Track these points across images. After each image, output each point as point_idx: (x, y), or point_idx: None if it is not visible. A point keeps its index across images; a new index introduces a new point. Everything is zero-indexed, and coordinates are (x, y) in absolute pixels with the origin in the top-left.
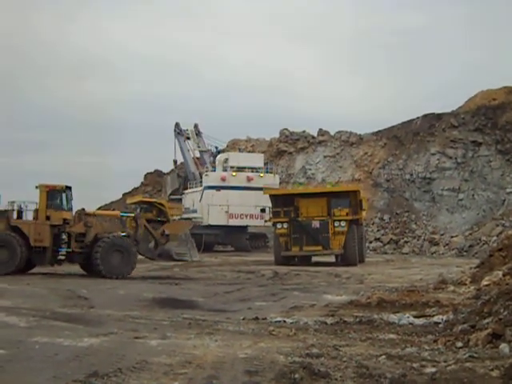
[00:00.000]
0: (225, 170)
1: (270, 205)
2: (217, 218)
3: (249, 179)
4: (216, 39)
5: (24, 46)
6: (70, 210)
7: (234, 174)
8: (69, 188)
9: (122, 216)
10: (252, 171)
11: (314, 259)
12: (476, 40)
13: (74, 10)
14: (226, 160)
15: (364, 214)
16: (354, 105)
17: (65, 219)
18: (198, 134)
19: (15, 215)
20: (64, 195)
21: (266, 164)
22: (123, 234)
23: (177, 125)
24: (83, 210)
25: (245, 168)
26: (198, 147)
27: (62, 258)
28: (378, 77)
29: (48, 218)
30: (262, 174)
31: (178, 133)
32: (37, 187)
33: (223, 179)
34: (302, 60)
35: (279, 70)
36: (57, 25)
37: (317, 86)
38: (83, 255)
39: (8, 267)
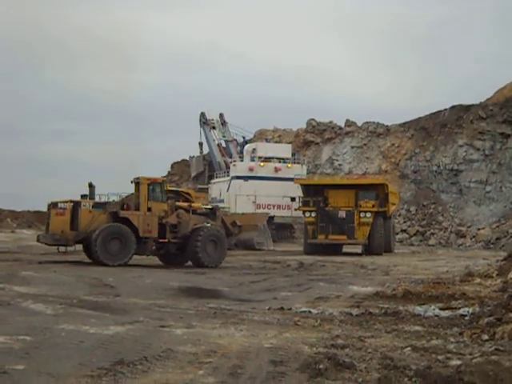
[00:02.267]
0: (252, 160)
1: (298, 195)
2: (244, 208)
3: (276, 170)
4: (245, 29)
5: (56, 34)
6: (165, 201)
7: (261, 164)
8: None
9: (206, 209)
10: (280, 161)
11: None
12: (505, 31)
13: None
14: (254, 150)
15: (393, 207)
16: (381, 96)
17: (164, 210)
18: (224, 123)
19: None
20: (162, 188)
21: (293, 154)
22: (208, 224)
23: (202, 114)
24: (175, 202)
25: (272, 158)
26: (224, 137)
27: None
28: (405, 68)
29: (149, 209)
30: (289, 165)
31: (204, 122)
32: (132, 181)
33: (251, 169)
34: (330, 51)
35: (307, 61)
36: (91, 13)
37: (344, 77)
38: (176, 245)
39: (121, 258)
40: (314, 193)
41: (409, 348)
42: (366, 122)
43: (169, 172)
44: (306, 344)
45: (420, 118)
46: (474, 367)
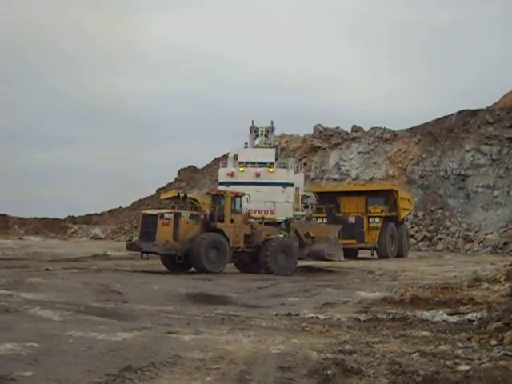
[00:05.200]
0: (235, 165)
1: (281, 200)
2: None
3: (257, 174)
4: (252, 34)
5: (54, 38)
6: (241, 213)
7: (241, 169)
8: None
9: (279, 220)
10: (266, 166)
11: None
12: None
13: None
14: (236, 156)
15: (406, 213)
16: (388, 101)
17: (243, 222)
18: (269, 130)
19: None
20: (241, 201)
21: (277, 159)
22: (281, 235)
23: (252, 122)
24: (248, 214)
25: (254, 163)
26: (265, 144)
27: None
28: (412, 73)
29: (232, 221)
30: (271, 169)
31: (251, 130)
32: (209, 192)
33: (230, 175)
34: (337, 57)
35: (313, 67)
36: (90, 18)
37: (350, 82)
38: (249, 254)
39: (218, 266)
40: (327, 200)
41: (417, 353)
42: (373, 128)
43: (176, 178)
44: (313, 350)
45: (427, 123)
46: (482, 372)
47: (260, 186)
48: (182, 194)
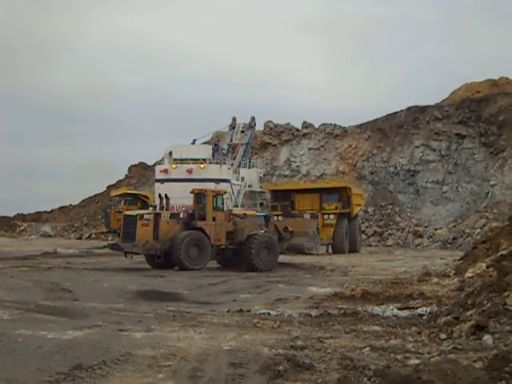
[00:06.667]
0: (170, 162)
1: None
2: None
3: (188, 171)
4: (205, 31)
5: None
6: (223, 211)
7: (174, 166)
8: None
9: (259, 216)
10: (198, 163)
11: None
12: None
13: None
14: (171, 152)
15: (358, 208)
16: (339, 98)
17: (225, 219)
18: (248, 126)
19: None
20: (223, 198)
21: (214, 155)
22: (262, 231)
23: (234, 119)
24: (231, 210)
25: (188, 160)
26: (235, 140)
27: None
28: (364, 70)
29: (214, 219)
30: (202, 166)
31: (230, 126)
32: (191, 192)
33: (164, 172)
34: (290, 53)
35: (266, 63)
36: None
37: (302, 79)
38: (232, 251)
39: (198, 263)
40: (282, 197)
41: (368, 348)
42: (323, 124)
43: (126, 175)
44: (265, 346)
45: (376, 119)
46: (432, 366)
47: (192, 183)
48: (163, 195)
